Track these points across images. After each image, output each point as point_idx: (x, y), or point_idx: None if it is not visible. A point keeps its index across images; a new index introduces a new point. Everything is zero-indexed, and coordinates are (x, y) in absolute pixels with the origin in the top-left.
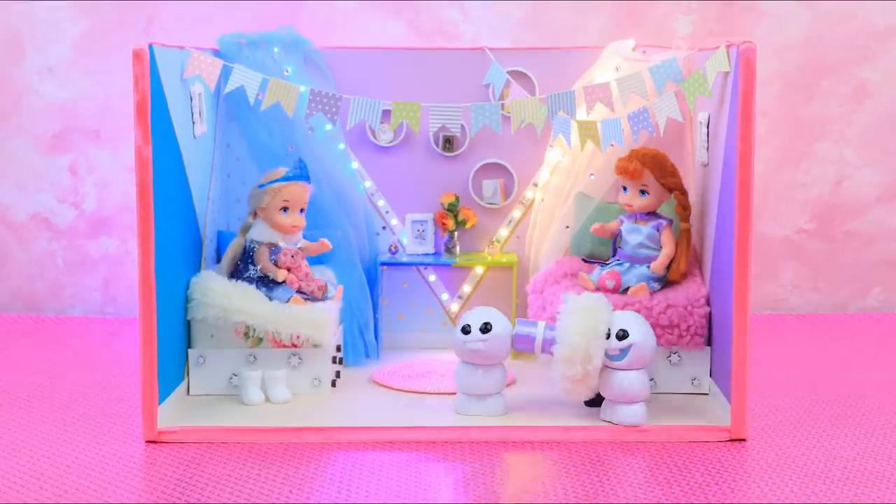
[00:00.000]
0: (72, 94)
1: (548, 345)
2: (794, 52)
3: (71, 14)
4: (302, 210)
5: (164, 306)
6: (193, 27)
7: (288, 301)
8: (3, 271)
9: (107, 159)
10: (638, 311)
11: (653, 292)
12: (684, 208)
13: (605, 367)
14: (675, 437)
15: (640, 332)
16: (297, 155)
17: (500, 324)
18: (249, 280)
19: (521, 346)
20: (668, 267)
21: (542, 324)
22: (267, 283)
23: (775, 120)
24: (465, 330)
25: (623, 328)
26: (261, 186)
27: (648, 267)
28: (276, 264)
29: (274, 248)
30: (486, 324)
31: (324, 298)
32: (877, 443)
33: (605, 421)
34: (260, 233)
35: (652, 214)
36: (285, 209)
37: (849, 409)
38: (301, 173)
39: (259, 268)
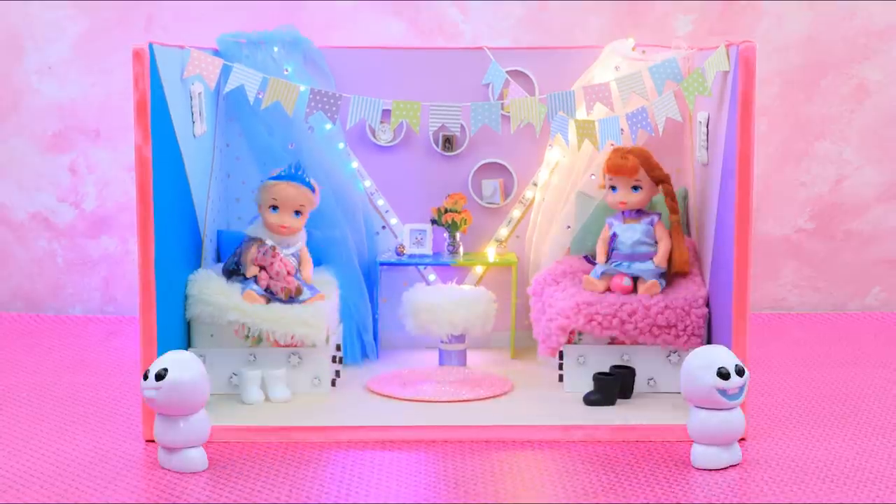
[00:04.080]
0: (71, 93)
1: None
2: (794, 51)
3: (71, 13)
4: (298, 213)
5: (164, 306)
6: (193, 26)
7: (242, 295)
8: (3, 270)
9: (107, 159)
10: (636, 310)
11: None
12: (673, 199)
13: (715, 409)
14: (675, 436)
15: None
16: (298, 153)
17: (182, 370)
18: (229, 272)
19: None
20: (669, 261)
21: None
22: (244, 277)
23: (775, 119)
24: (146, 376)
25: (738, 363)
26: (260, 182)
27: (651, 262)
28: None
29: (261, 245)
30: (163, 369)
31: (290, 301)
32: (876, 442)
33: (706, 469)
34: (254, 229)
35: (640, 212)
36: (274, 208)
37: (848, 409)
38: (293, 174)
39: (237, 260)
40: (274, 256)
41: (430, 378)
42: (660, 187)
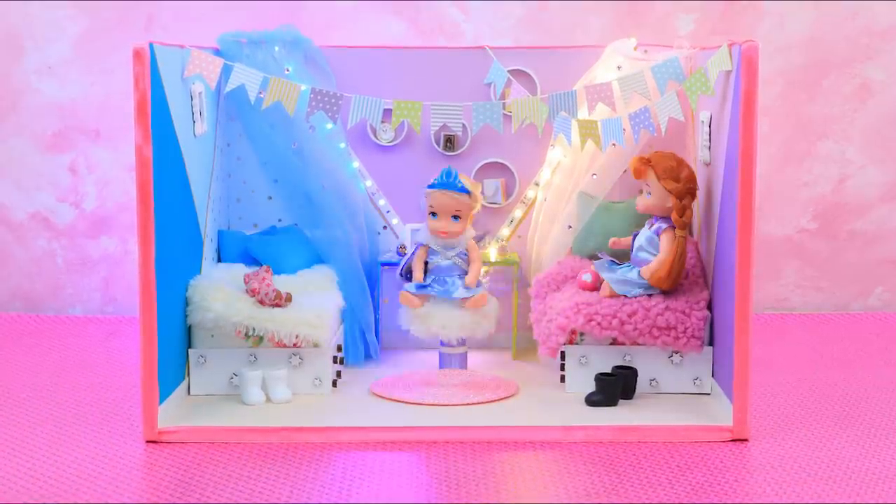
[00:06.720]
0: (71, 93)
1: None
2: (796, 51)
3: (71, 13)
4: (456, 217)
5: (165, 306)
6: (194, 26)
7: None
8: (2, 271)
9: (107, 158)
10: (636, 311)
11: (636, 297)
12: (680, 215)
13: None
14: (676, 437)
15: None
16: (299, 153)
17: None
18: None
19: None
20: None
21: None
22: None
23: (777, 119)
24: None
25: None
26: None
27: (636, 270)
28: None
29: (431, 251)
30: None
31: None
32: (879, 443)
33: None
34: (421, 233)
35: (663, 219)
36: (434, 214)
37: (851, 409)
38: (445, 182)
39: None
40: (261, 281)
41: (431, 382)
42: (671, 198)
